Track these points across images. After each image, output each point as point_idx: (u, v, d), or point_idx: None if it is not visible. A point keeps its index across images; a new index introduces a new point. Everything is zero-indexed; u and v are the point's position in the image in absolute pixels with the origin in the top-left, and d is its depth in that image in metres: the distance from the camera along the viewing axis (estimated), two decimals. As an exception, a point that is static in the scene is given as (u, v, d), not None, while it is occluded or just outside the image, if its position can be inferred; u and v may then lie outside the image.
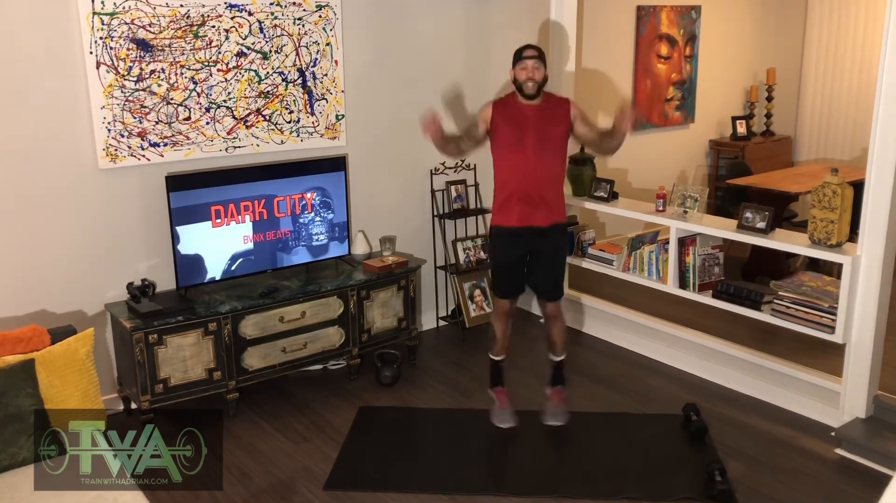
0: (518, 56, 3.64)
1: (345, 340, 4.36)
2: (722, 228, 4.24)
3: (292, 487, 3.44)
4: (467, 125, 3.87)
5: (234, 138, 4.22)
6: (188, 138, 4.07)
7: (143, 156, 3.95)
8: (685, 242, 4.34)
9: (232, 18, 4.09)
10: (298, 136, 4.44)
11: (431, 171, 5.01)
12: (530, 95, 3.61)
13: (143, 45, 3.84)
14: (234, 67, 4.14)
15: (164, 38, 3.90)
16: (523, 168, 3.64)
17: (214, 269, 4.10)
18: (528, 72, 3.59)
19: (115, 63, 3.78)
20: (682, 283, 4.38)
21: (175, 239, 3.93)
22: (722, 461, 3.51)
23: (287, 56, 4.31)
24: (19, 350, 3.01)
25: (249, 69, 4.20)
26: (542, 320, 3.89)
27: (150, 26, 3.84)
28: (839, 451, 3.69)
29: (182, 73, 3.98)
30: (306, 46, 4.37)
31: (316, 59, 4.42)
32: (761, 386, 4.21)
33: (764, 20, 7.37)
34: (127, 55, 3.81)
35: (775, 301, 3.99)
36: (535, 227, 3.70)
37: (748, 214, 4.12)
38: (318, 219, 4.42)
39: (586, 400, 4.20)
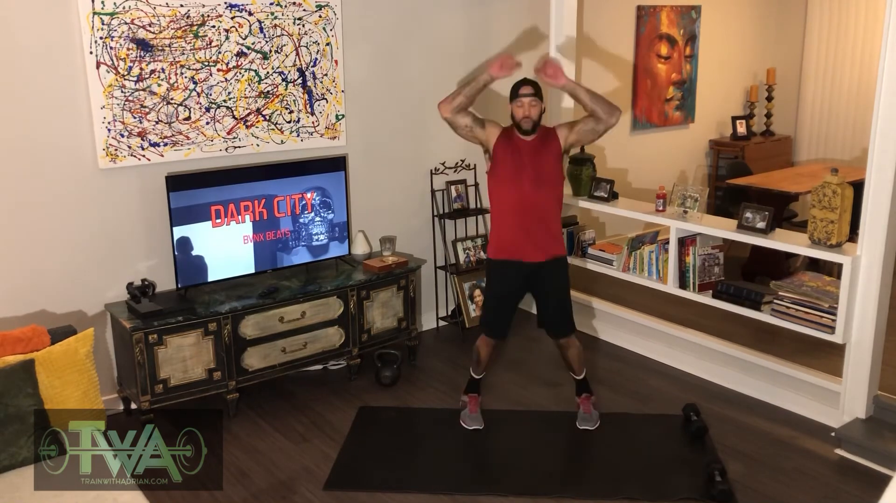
0: (514, 93, 3.65)
1: (345, 340, 4.36)
2: (722, 228, 4.24)
3: (292, 487, 3.44)
4: (478, 115, 3.82)
5: (234, 138, 4.22)
6: (188, 138, 4.07)
7: (143, 156, 3.95)
8: (685, 242, 4.34)
9: (232, 18, 4.09)
10: (298, 135, 4.44)
11: (431, 171, 5.01)
12: (527, 132, 3.64)
13: (143, 44, 3.84)
14: (234, 67, 4.14)
15: (164, 38, 3.90)
16: (520, 201, 3.64)
17: (214, 269, 4.10)
18: (524, 109, 3.61)
19: (116, 63, 3.78)
20: (682, 283, 4.38)
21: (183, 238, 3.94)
22: (722, 461, 3.51)
23: (287, 56, 4.31)
24: (19, 350, 3.01)
25: (249, 69, 4.20)
26: (557, 346, 3.92)
27: (150, 26, 3.84)
28: (839, 452, 3.69)
29: (182, 73, 3.98)
30: (306, 46, 4.37)
31: (316, 58, 4.42)
32: (761, 386, 4.20)
33: (764, 20, 7.37)
34: (127, 55, 3.81)
35: (775, 301, 3.98)
36: (534, 262, 3.70)
37: (748, 214, 4.11)
38: (318, 219, 4.42)
39: (586, 400, 4.20)
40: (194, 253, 4.02)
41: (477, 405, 3.99)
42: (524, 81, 3.67)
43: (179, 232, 3.94)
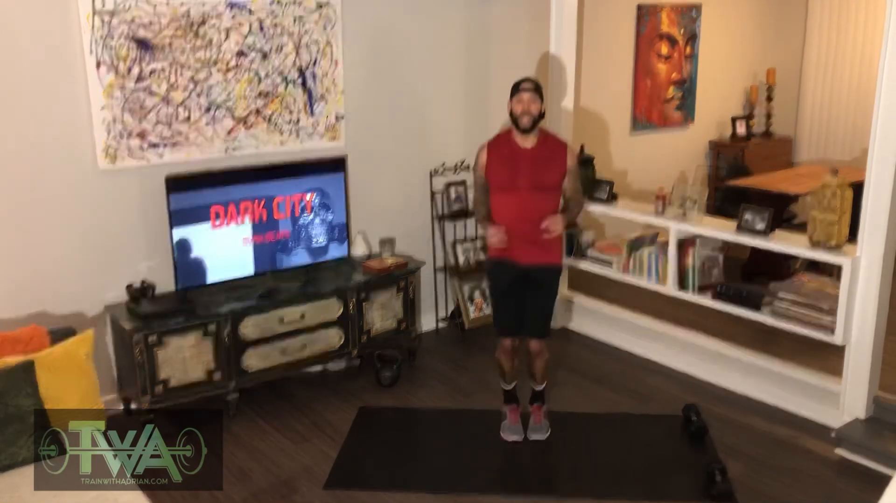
0: (515, 89, 3.62)
1: (344, 342, 4.36)
2: (721, 230, 4.24)
3: (292, 487, 3.44)
4: (479, 184, 3.80)
5: (234, 139, 4.22)
6: (188, 139, 4.07)
7: (143, 157, 3.95)
8: (685, 244, 4.33)
9: (232, 18, 4.09)
10: (298, 136, 4.44)
11: (431, 172, 5.01)
12: (525, 129, 3.59)
13: (143, 44, 3.84)
14: (234, 67, 4.14)
15: (165, 38, 3.90)
16: (518, 207, 3.59)
17: (214, 271, 4.10)
18: (523, 105, 3.56)
19: (115, 63, 3.78)
20: (682, 285, 4.38)
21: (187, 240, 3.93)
22: (722, 461, 3.51)
23: (287, 56, 4.31)
24: (19, 351, 3.01)
25: (249, 69, 4.20)
26: (527, 351, 3.83)
27: (150, 26, 3.84)
28: (839, 451, 3.69)
29: (182, 73, 3.98)
30: (306, 46, 4.37)
31: (316, 58, 4.42)
32: (761, 386, 4.21)
33: (764, 20, 7.37)
34: (127, 55, 3.81)
35: (775, 302, 3.98)
36: (529, 265, 3.65)
37: (748, 216, 4.11)
38: (317, 220, 4.42)
39: (586, 400, 4.20)
40: (194, 254, 4.02)
41: (517, 415, 3.90)
42: (525, 79, 3.65)
43: (179, 233, 3.94)
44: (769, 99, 7.38)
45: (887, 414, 3.74)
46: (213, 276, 4.10)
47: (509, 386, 3.95)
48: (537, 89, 3.60)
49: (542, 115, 3.63)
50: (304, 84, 4.40)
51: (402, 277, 4.54)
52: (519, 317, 3.77)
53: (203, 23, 4.00)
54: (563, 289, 4.99)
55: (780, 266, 5.40)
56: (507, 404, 3.96)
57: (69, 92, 3.72)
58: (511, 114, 3.63)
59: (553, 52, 5.06)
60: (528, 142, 3.62)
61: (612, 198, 4.85)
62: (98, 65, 3.74)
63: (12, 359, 2.91)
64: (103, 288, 3.97)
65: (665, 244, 4.43)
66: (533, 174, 3.59)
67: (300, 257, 4.39)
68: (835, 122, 7.40)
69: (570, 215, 3.78)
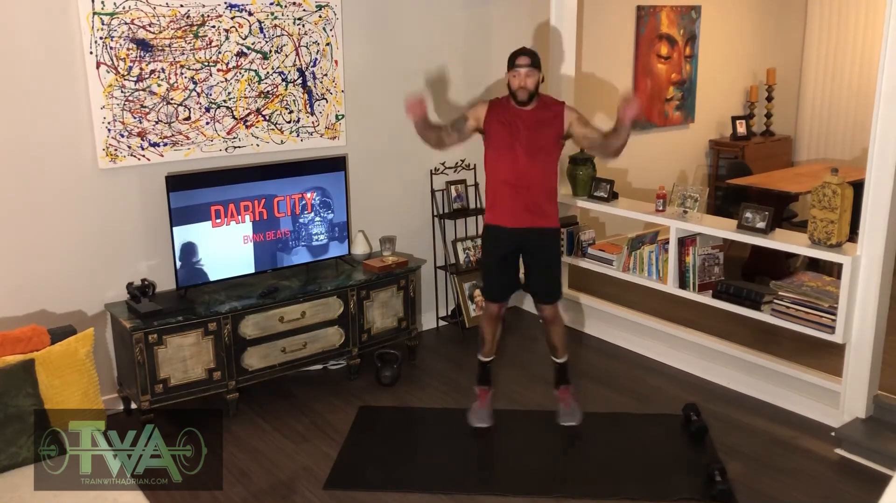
0: (511, 63, 3.63)
1: (345, 340, 4.36)
2: (722, 228, 4.24)
3: (292, 487, 3.44)
4: (454, 118, 3.89)
5: (234, 138, 4.22)
6: (188, 138, 4.07)
7: (143, 156, 3.95)
8: (685, 242, 4.34)
9: (232, 18, 4.09)
10: (298, 135, 4.44)
11: (431, 171, 5.01)
12: (522, 103, 3.62)
13: (143, 45, 3.84)
14: (234, 67, 4.14)
15: (164, 38, 3.90)
16: (514, 170, 3.64)
17: (214, 269, 4.10)
18: (520, 79, 3.58)
19: (115, 63, 3.78)
20: (682, 283, 4.38)
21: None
22: (722, 461, 3.51)
23: (287, 56, 4.31)
24: (19, 350, 3.01)
25: (249, 69, 4.20)
26: (541, 321, 3.89)
27: (150, 26, 3.84)
28: (839, 451, 3.69)
29: (182, 73, 3.98)
30: (306, 46, 4.37)
31: (316, 59, 4.42)
32: (761, 386, 4.21)
33: (764, 20, 7.37)
34: (127, 55, 3.81)
35: (775, 301, 3.98)
36: (525, 228, 3.70)
37: (748, 214, 4.12)
38: (317, 219, 4.42)
39: (586, 400, 4.19)
40: (194, 253, 4.01)
41: (486, 400, 3.94)
42: (521, 51, 3.65)
43: (179, 232, 3.94)
44: (769, 99, 7.38)
45: (887, 414, 3.74)
46: (213, 275, 4.10)
47: (487, 358, 3.96)
48: (534, 62, 3.60)
49: (538, 87, 3.64)
50: (304, 84, 4.40)
51: (402, 276, 4.55)
52: (509, 283, 3.86)
53: (203, 23, 4.00)
54: (563, 288, 4.98)
55: (780, 265, 5.41)
56: (479, 385, 3.98)
57: (69, 92, 3.72)
58: (508, 86, 3.64)
59: (553, 53, 5.06)
60: (526, 106, 3.65)
61: (612, 196, 4.85)
62: (98, 65, 3.74)
63: (12, 359, 2.91)
64: (103, 286, 3.97)
65: (665, 243, 4.43)
66: (530, 134, 3.62)
67: (301, 256, 4.39)
68: (835, 121, 7.40)
69: (620, 137, 3.60)
